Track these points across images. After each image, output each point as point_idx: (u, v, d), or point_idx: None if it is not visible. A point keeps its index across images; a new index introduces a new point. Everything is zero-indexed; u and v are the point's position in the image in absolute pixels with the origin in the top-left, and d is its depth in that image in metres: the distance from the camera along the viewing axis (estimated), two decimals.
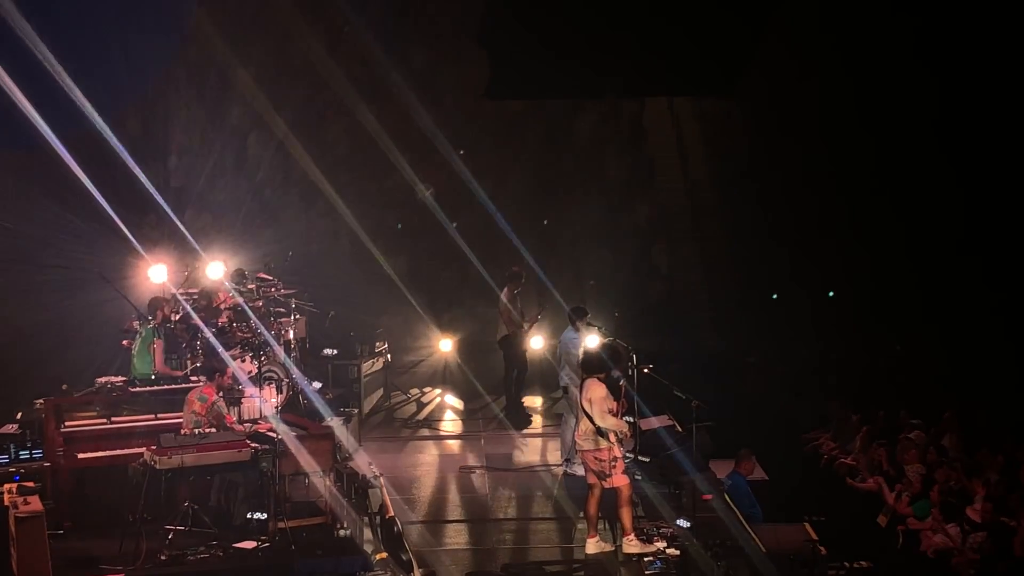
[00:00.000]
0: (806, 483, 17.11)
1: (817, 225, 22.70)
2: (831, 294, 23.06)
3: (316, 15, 22.97)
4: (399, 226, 23.55)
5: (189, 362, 15.64)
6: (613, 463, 12.89)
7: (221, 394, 13.78)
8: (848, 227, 22.33)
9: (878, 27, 20.64)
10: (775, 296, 23.05)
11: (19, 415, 14.61)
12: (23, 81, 17.67)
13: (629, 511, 12.98)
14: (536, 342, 18.01)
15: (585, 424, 13.01)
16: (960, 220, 20.73)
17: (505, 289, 17.98)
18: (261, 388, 15.38)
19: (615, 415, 12.97)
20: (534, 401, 19.36)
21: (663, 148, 24.70)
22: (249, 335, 16.46)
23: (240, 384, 15.11)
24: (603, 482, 12.97)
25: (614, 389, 13.27)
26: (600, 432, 12.87)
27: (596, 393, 12.96)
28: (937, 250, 20.98)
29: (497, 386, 19.04)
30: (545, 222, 23.73)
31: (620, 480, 12.92)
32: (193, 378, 14.95)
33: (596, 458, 12.97)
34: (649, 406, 15.82)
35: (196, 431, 12.92)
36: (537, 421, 18.47)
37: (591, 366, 13.28)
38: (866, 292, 22.08)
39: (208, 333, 15.77)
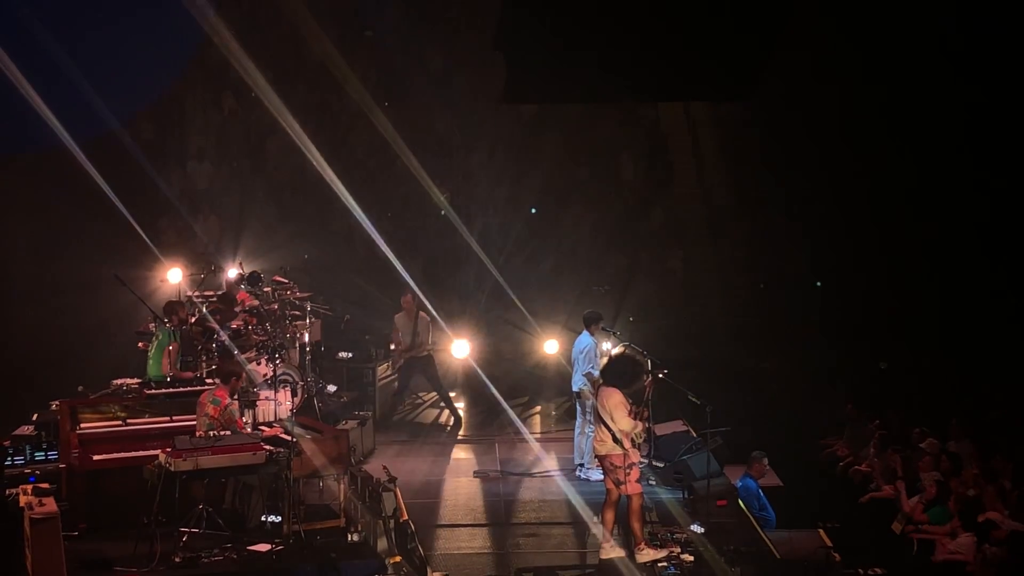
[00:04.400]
0: (821, 489, 17.08)
1: (834, 231, 22.62)
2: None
3: (333, 19, 23.02)
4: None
5: (204, 364, 15.66)
6: (628, 470, 12.88)
7: (236, 397, 13.80)
8: (866, 233, 22.25)
9: (898, 28, 20.55)
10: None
11: (35, 416, 14.66)
12: (41, 84, 17.76)
13: (640, 521, 12.96)
14: (551, 346, 17.97)
15: (602, 429, 13.00)
16: (981, 226, 20.65)
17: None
18: (276, 391, 15.41)
19: (634, 419, 12.96)
20: (547, 407, 19.41)
21: (679, 153, 24.64)
22: (264, 338, 16.50)
23: (255, 387, 15.14)
24: (618, 488, 12.97)
25: (636, 396, 13.23)
26: (615, 438, 12.87)
27: (614, 399, 12.95)
28: (957, 256, 20.89)
29: (512, 391, 19.06)
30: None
31: (633, 488, 12.91)
32: (208, 381, 14.98)
33: (612, 464, 12.97)
34: (664, 411, 15.81)
35: (211, 434, 12.94)
36: (551, 426, 18.49)
37: (609, 376, 13.26)
38: (884, 297, 21.99)
39: (224, 336, 15.81)
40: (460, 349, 18.98)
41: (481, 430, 18.59)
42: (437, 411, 19.37)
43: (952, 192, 20.82)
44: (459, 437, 18.29)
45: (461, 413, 19.21)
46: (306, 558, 12.45)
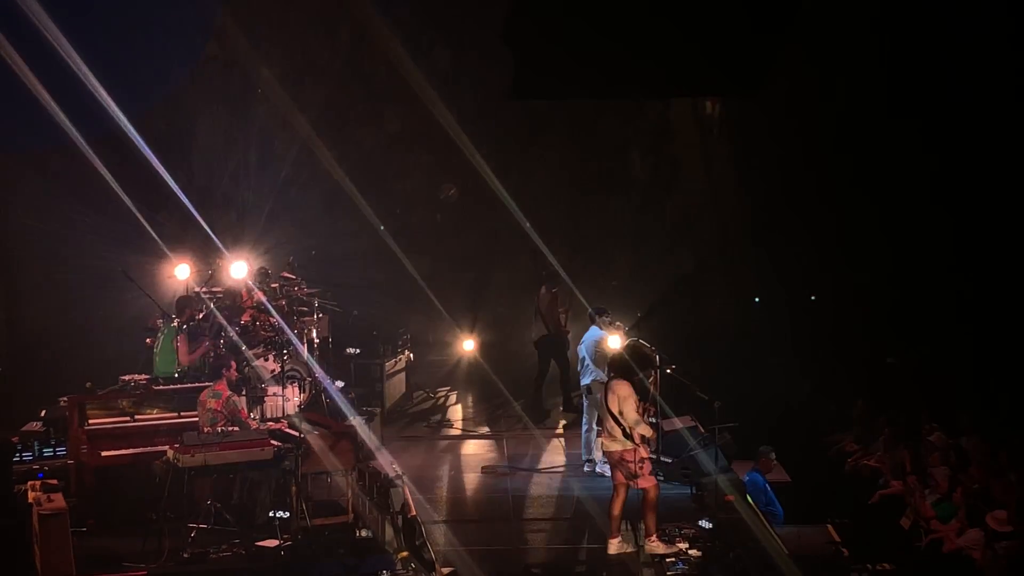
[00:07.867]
0: (829, 485, 17.05)
1: (842, 227, 22.58)
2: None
3: (341, 15, 22.99)
4: (438, 217, 23.51)
5: (212, 359, 15.67)
6: (641, 464, 12.87)
7: (244, 393, 13.81)
8: (873, 229, 22.20)
9: (906, 29, 20.50)
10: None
11: (43, 413, 14.68)
12: (49, 81, 17.76)
13: (654, 513, 12.96)
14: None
15: (611, 424, 12.98)
16: (991, 221, 20.57)
17: (543, 289, 18.11)
18: (284, 387, 15.42)
19: (641, 416, 12.94)
20: (555, 402, 19.38)
21: (687, 149, 24.61)
22: (272, 334, 16.50)
23: (263, 382, 15.14)
24: (631, 483, 12.94)
25: (642, 391, 13.23)
26: (626, 433, 12.85)
27: (623, 392, 12.93)
28: (966, 253, 20.83)
29: (519, 386, 19.05)
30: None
31: (648, 481, 12.91)
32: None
33: (623, 459, 12.94)
34: (672, 407, 15.78)
35: (219, 429, 12.95)
36: (559, 421, 18.47)
37: (618, 369, 13.26)
38: (890, 294, 21.95)
39: (232, 331, 15.82)
40: (467, 344, 19.00)
41: (489, 425, 18.58)
42: (445, 406, 19.37)
43: (962, 187, 20.74)
44: (467, 433, 18.28)
45: (469, 409, 19.22)
46: (314, 554, 12.46)
